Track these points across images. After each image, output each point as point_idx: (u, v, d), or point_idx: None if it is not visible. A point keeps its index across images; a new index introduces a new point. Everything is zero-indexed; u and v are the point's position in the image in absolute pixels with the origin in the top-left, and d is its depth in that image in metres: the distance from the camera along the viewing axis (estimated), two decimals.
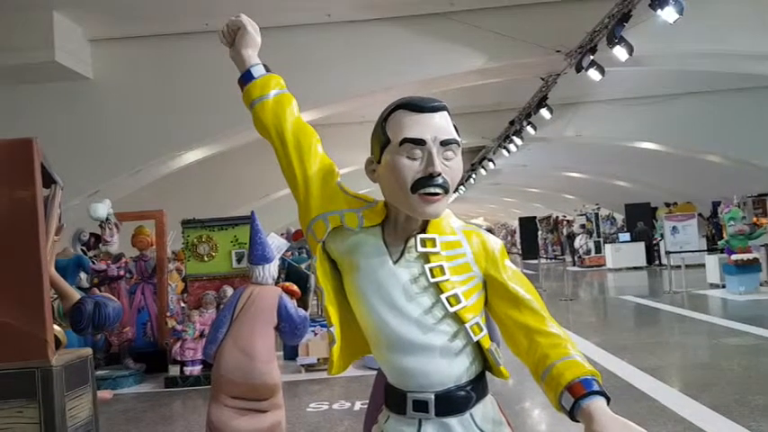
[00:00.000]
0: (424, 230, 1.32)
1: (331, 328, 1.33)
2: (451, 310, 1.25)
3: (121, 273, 7.19)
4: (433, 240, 1.30)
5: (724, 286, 11.51)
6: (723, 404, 4.55)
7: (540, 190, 28.10)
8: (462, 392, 1.27)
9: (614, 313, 11.20)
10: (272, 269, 3.60)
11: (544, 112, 11.95)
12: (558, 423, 4.29)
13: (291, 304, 3.55)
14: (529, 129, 13.25)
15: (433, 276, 1.27)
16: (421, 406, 1.26)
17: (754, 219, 14.07)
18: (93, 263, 7.12)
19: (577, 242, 22.13)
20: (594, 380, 1.16)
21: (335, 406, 5.29)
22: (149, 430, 4.96)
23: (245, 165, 12.74)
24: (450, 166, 1.27)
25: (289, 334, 3.51)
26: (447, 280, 1.27)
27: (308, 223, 1.38)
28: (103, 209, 6.36)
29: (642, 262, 18.78)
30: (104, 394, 6.19)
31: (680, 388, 5.15)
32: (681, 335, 7.95)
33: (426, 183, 1.24)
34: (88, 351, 3.26)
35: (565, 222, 26.99)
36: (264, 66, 1.50)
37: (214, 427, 3.18)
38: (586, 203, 24.14)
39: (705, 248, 14.17)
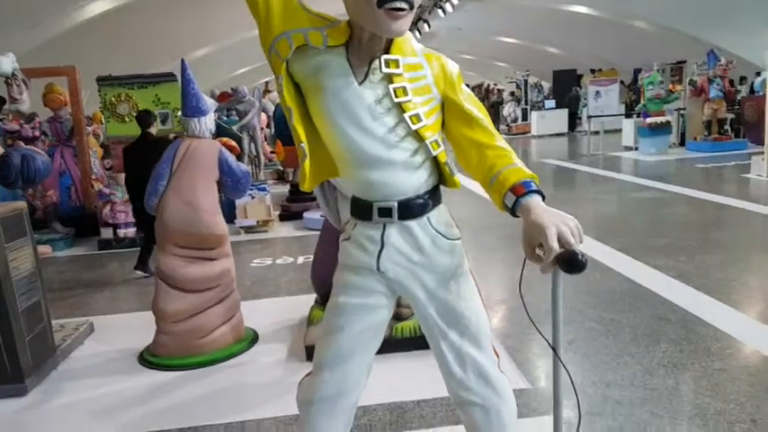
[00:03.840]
0: (387, 51, 1.34)
1: (301, 145, 1.37)
2: (414, 128, 1.32)
3: (36, 133, 6.75)
4: (397, 61, 1.33)
5: (637, 149, 12.31)
6: (628, 246, 5.10)
7: (473, 57, 27.83)
8: (421, 200, 1.40)
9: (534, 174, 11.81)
10: (208, 122, 3.47)
11: None
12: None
13: (233, 158, 3.50)
14: None
15: (396, 97, 1.31)
16: (385, 212, 1.39)
17: (671, 86, 14.75)
18: (5, 123, 6.61)
19: (506, 110, 22.53)
20: (533, 182, 1.31)
21: (279, 261, 5.47)
22: (91, 289, 4.99)
23: (158, 20, 11.72)
24: None
25: (231, 188, 3.48)
26: (410, 101, 1.32)
27: (270, 42, 1.36)
28: (7, 63, 5.74)
29: (565, 129, 19.53)
30: (44, 249, 6.10)
31: (592, 235, 5.66)
32: (594, 191, 8.57)
33: None
34: (22, 204, 3.16)
35: (495, 91, 27.19)
36: None
37: (164, 275, 3.21)
38: (517, 71, 24.27)
39: (624, 113, 14.87)
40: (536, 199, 1.27)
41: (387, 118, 1.32)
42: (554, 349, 1.28)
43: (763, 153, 8.55)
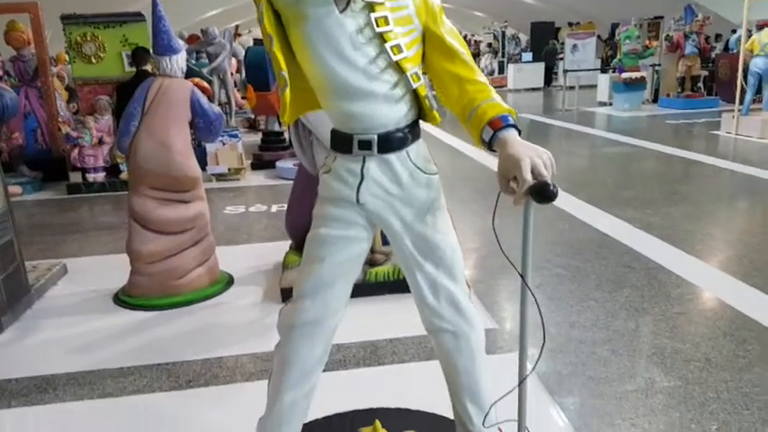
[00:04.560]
0: None
1: (282, 73, 1.36)
2: (395, 59, 1.32)
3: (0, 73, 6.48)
4: None
5: (611, 104, 12.41)
6: (597, 198, 5.23)
7: (451, 5, 27.31)
8: (400, 134, 1.42)
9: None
10: (179, 61, 3.38)
11: None
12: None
13: (205, 99, 3.44)
14: None
15: (378, 26, 1.31)
16: (365, 145, 1.40)
17: (647, 41, 14.76)
18: None
19: (482, 62, 22.30)
20: (510, 116, 1.33)
21: (252, 209, 5.44)
22: (62, 232, 4.92)
23: None
24: None
25: (204, 130, 3.43)
26: (391, 30, 1.32)
27: None
28: None
29: (541, 83, 19.48)
30: (14, 189, 5.98)
31: (562, 187, 5.76)
32: (566, 146, 8.67)
33: None
34: None
35: (473, 42, 26.84)
36: None
37: (138, 216, 3.19)
38: (495, 21, 23.94)
39: (599, 68, 14.87)
40: (512, 133, 1.30)
41: (368, 48, 1.32)
42: (522, 276, 1.34)
43: (733, 111, 8.72)
